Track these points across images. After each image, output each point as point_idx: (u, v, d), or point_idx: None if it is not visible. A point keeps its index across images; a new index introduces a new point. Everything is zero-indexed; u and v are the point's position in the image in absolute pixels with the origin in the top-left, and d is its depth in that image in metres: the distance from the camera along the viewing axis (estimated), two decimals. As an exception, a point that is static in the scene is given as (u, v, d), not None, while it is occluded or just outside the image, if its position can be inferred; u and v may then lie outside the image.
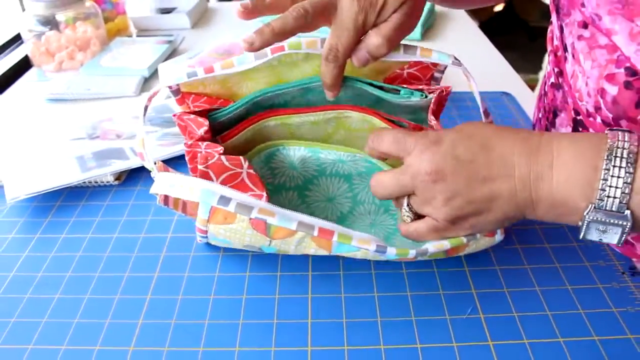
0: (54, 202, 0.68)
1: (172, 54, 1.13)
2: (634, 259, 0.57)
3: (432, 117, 0.55)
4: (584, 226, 0.44)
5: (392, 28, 0.51)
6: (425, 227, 0.50)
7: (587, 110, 0.55)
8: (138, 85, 0.96)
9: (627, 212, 0.42)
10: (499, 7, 3.88)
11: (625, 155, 0.41)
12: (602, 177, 0.42)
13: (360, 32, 0.52)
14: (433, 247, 0.50)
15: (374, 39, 0.52)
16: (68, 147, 0.77)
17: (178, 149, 0.75)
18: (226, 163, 0.50)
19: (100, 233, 0.63)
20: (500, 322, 0.51)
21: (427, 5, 1.26)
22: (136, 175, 0.73)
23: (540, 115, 0.70)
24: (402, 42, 0.54)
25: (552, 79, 0.65)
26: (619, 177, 0.41)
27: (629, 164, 0.41)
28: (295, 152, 0.55)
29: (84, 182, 0.71)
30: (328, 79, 0.53)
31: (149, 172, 0.73)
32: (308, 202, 0.61)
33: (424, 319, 0.51)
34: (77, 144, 0.77)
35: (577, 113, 0.58)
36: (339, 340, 0.50)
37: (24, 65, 1.11)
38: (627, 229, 0.42)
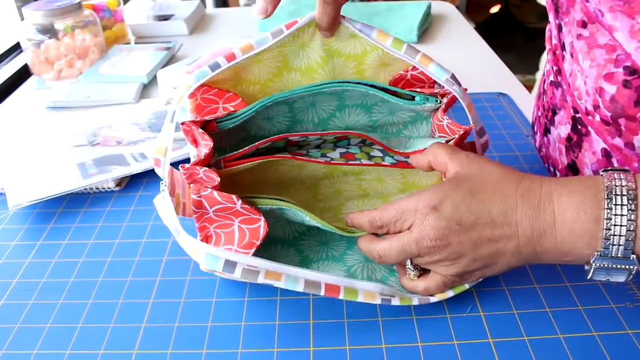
0: (56, 208, 0.69)
1: (170, 60, 1.14)
2: (632, 256, 0.58)
3: (445, 117, 0.56)
4: (591, 271, 0.44)
5: None
6: (434, 285, 0.50)
7: (585, 108, 0.55)
8: (137, 92, 0.97)
9: (633, 256, 0.43)
10: (495, 9, 3.90)
11: (624, 193, 0.42)
12: (605, 227, 0.42)
13: None
14: (436, 297, 0.51)
15: None
16: (69, 154, 0.77)
17: (179, 154, 0.76)
18: (218, 198, 0.49)
19: (102, 239, 0.64)
20: (500, 320, 0.51)
21: (424, 8, 1.27)
22: (137, 181, 0.74)
23: (539, 114, 0.71)
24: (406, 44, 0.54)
25: (552, 77, 0.66)
26: (621, 225, 0.42)
27: (630, 201, 0.41)
28: (296, 215, 0.53)
29: (86, 189, 0.71)
30: (325, 21, 0.52)
31: (149, 177, 0.74)
32: (301, 249, 0.60)
33: (424, 318, 0.52)
34: (78, 151, 0.78)
35: (576, 111, 0.58)
36: (340, 340, 0.50)
37: (24, 73, 1.11)
38: (633, 271, 0.43)
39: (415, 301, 0.50)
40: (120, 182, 0.73)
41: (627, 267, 0.43)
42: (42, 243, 0.63)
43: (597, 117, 0.54)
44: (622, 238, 0.42)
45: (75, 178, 0.71)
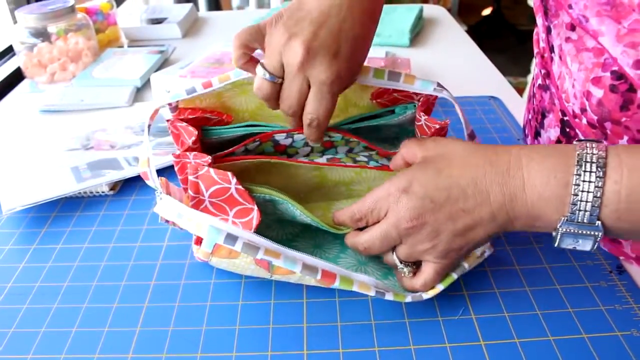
0: (50, 212, 0.69)
1: (163, 63, 1.14)
2: (621, 258, 0.58)
3: (422, 114, 0.56)
4: (558, 236, 0.45)
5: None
6: (429, 277, 0.51)
7: (573, 111, 0.56)
8: (131, 96, 0.97)
9: (598, 222, 0.43)
10: (487, 11, 3.91)
11: (594, 160, 0.43)
12: (573, 193, 0.43)
13: (337, 97, 0.52)
14: (428, 293, 0.52)
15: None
16: (63, 158, 0.77)
17: (169, 159, 0.76)
18: (214, 176, 0.50)
19: (96, 243, 0.64)
20: (491, 322, 0.52)
21: (415, 11, 1.27)
22: (131, 185, 0.74)
23: (529, 117, 0.71)
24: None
25: (540, 81, 0.66)
26: (588, 191, 0.42)
27: (599, 169, 0.42)
28: (288, 209, 0.54)
29: (80, 193, 0.71)
30: (314, 139, 0.54)
31: (143, 181, 0.74)
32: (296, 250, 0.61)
33: (417, 321, 0.52)
34: (72, 155, 0.78)
35: (564, 114, 0.59)
36: (334, 344, 0.50)
37: (17, 77, 1.11)
38: (599, 237, 0.44)
39: (408, 298, 0.51)
40: (114, 186, 0.73)
41: (592, 233, 0.44)
42: (36, 247, 0.63)
43: (584, 120, 0.55)
44: (589, 204, 0.43)
45: (69, 182, 0.71)
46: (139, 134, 0.84)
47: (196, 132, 0.53)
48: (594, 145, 0.44)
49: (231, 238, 0.48)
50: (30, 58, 1.06)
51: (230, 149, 0.56)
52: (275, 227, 0.61)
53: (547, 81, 0.63)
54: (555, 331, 0.51)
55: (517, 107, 0.92)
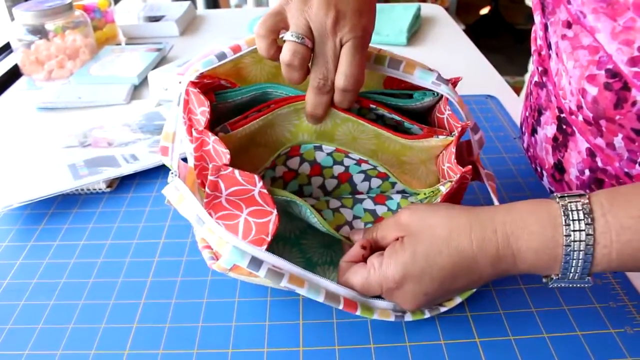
0: (47, 209, 0.69)
1: (161, 61, 1.14)
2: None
3: (448, 108, 0.54)
4: (548, 284, 0.47)
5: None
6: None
7: (569, 108, 0.56)
8: (128, 93, 0.97)
9: (588, 277, 0.45)
10: (484, 11, 3.92)
11: (582, 228, 0.43)
12: (563, 261, 0.44)
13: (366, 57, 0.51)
14: (444, 307, 0.52)
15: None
16: (60, 155, 0.77)
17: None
18: (239, 178, 0.47)
19: (93, 240, 0.64)
20: (486, 320, 0.52)
21: (413, 10, 1.28)
22: (128, 182, 0.74)
23: (527, 114, 0.72)
24: (389, 48, 0.54)
25: (536, 78, 0.67)
26: (579, 259, 0.43)
27: (588, 237, 0.42)
28: (305, 215, 0.52)
29: (77, 190, 0.71)
30: (321, 110, 0.51)
31: (140, 179, 0.74)
32: (303, 249, 0.59)
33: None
34: (69, 152, 0.78)
35: (561, 111, 0.59)
36: (329, 340, 0.51)
37: (14, 74, 1.11)
38: (589, 284, 0.45)
39: (427, 314, 0.51)
40: (111, 183, 0.73)
41: (582, 285, 0.46)
42: (33, 244, 0.64)
43: (580, 117, 0.55)
44: (579, 268, 0.44)
45: (66, 179, 0.71)
46: (136, 132, 0.84)
47: (207, 102, 0.50)
48: (579, 209, 0.43)
49: (255, 263, 0.45)
50: (28, 55, 1.06)
51: (243, 115, 0.53)
52: (284, 220, 0.60)
53: (544, 78, 0.63)
54: (550, 328, 0.51)
55: (514, 106, 0.92)
